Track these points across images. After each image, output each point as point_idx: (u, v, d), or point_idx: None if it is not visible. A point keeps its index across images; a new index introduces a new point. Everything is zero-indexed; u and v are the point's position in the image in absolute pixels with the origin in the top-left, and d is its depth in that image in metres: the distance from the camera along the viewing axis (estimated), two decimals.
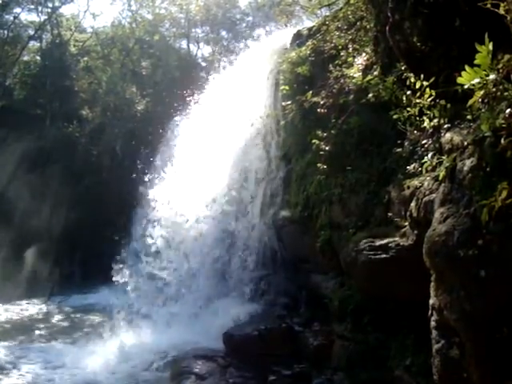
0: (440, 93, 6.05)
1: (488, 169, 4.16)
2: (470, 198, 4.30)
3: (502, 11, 4.30)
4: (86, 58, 32.59)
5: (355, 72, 10.38)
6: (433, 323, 4.82)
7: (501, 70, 4.18)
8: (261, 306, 12.21)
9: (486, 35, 3.91)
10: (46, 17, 31.08)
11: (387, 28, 7.97)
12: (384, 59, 8.98)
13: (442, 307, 4.56)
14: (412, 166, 7.29)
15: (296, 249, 12.06)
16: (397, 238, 7.30)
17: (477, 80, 4.07)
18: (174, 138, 17.54)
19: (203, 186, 14.43)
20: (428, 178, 6.17)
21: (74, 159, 26.39)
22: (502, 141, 4.02)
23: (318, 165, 10.29)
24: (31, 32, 31.21)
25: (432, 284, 4.80)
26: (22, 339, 14.29)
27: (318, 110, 11.08)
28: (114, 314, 13.84)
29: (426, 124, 6.55)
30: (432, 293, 4.81)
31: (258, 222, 13.69)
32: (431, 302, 4.83)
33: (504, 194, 3.80)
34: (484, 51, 3.94)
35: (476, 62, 4.01)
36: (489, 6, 4.30)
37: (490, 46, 3.93)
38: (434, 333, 4.81)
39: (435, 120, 6.29)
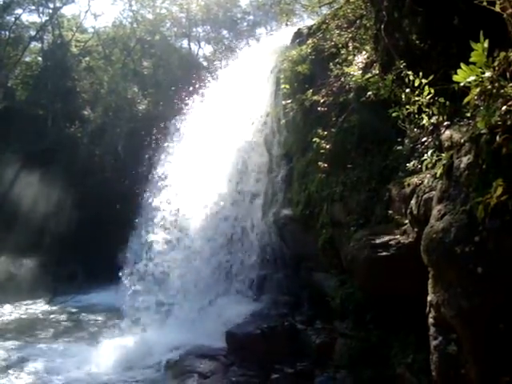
0: (439, 90, 6.04)
1: (484, 166, 4.16)
2: (466, 194, 4.30)
3: (497, 9, 4.30)
4: (87, 59, 32.70)
5: (355, 70, 10.39)
6: (430, 320, 4.82)
7: (497, 68, 4.17)
8: (263, 304, 12.23)
9: (481, 33, 3.91)
10: (47, 17, 31.24)
11: (382, 27, 7.98)
12: (384, 57, 8.96)
13: (439, 304, 4.56)
14: (412, 163, 7.30)
15: (298, 247, 12.07)
16: (397, 236, 7.30)
17: (472, 78, 4.07)
18: (176, 138, 17.57)
19: (205, 185, 14.46)
20: (428, 176, 6.18)
21: (76, 159, 26.48)
22: (498, 138, 4.01)
23: (319, 163, 10.32)
24: (32, 33, 31.36)
25: (430, 281, 4.80)
26: (26, 339, 14.39)
27: (319, 108, 11.10)
28: (117, 314, 13.90)
29: (425, 122, 6.54)
30: (430, 289, 4.81)
31: (259, 221, 13.71)
32: (429, 298, 4.83)
33: (499, 190, 3.79)
34: (479, 49, 3.94)
35: (472, 59, 4.01)
36: (485, 3, 4.31)
37: (486, 44, 3.92)
38: (432, 329, 4.81)
39: (434, 117, 6.28)
